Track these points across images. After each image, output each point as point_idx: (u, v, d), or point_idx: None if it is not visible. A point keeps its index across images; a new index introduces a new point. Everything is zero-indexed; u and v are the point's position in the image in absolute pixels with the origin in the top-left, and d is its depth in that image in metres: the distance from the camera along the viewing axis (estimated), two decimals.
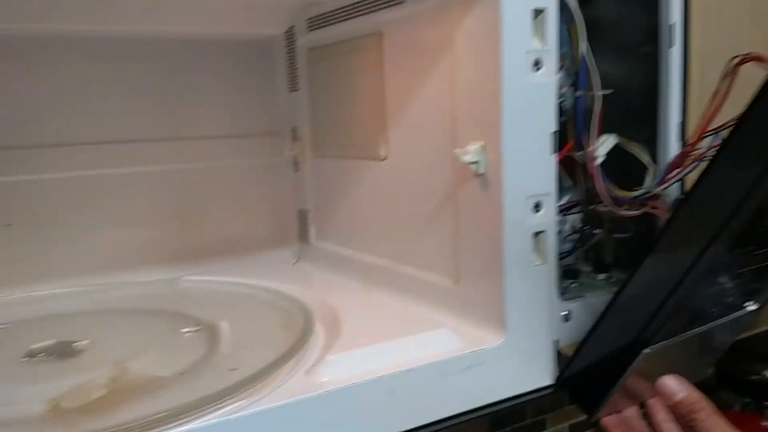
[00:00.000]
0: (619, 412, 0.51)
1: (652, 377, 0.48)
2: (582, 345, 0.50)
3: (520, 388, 0.51)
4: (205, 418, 0.39)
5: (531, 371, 0.51)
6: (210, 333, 0.54)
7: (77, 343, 0.53)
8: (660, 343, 0.46)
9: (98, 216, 0.72)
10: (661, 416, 0.50)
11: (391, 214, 0.64)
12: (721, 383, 1.05)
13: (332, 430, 0.44)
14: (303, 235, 0.81)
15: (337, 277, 0.72)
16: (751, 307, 0.52)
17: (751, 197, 0.42)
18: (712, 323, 0.50)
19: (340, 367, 0.46)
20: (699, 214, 0.44)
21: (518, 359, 0.50)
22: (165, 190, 0.76)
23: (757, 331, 1.49)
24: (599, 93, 0.51)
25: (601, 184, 0.52)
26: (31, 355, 0.52)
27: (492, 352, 0.49)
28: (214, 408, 0.39)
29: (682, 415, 0.46)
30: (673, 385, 0.47)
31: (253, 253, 0.80)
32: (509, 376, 0.50)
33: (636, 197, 0.53)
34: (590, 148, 0.51)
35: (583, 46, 0.51)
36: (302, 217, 0.81)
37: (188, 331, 0.54)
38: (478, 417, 0.49)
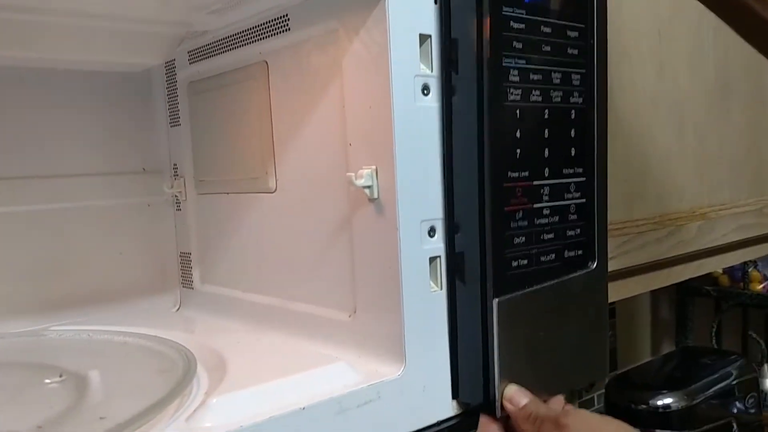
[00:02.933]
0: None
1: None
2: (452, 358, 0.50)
3: (423, 420, 0.48)
4: None
5: (433, 402, 0.49)
6: (77, 383, 0.47)
7: None
8: (508, 295, 0.48)
9: None
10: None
11: (283, 249, 0.61)
12: (611, 414, 1.07)
13: None
14: (186, 280, 0.76)
15: (224, 321, 0.67)
16: (592, 264, 0.54)
17: None
18: (556, 279, 0.52)
19: (226, 410, 0.42)
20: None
21: (419, 391, 0.48)
22: (31, 233, 0.68)
23: (638, 363, 1.56)
24: None
25: None
26: None
27: (391, 384, 0.46)
28: None
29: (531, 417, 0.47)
30: (516, 391, 0.49)
31: (130, 301, 0.74)
32: (410, 409, 0.48)
33: None
34: None
35: None
36: (185, 260, 0.75)
37: (51, 383, 0.48)
38: None
